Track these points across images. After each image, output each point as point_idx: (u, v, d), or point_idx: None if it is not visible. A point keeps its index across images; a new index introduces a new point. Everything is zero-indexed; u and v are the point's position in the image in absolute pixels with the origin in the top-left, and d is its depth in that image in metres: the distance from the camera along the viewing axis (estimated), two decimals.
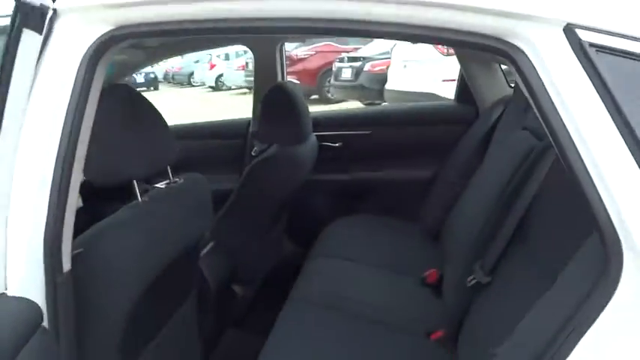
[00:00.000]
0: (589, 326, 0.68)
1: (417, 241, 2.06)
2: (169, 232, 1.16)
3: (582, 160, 0.67)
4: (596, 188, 0.67)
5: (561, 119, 0.68)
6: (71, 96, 0.83)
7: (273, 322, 1.44)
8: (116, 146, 1.06)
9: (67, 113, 0.83)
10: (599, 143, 0.66)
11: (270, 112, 1.80)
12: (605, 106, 0.66)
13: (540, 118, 0.71)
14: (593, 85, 0.67)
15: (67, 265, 0.89)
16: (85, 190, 1.04)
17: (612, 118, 0.66)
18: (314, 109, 2.31)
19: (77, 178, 0.88)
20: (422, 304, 1.61)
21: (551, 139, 0.71)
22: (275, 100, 1.79)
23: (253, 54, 2.30)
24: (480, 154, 1.97)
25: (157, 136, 1.17)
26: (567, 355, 0.70)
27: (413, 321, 1.49)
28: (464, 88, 2.23)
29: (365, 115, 2.30)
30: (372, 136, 2.26)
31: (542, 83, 0.69)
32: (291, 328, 1.41)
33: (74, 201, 0.89)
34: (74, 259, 0.94)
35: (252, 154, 2.26)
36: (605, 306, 0.67)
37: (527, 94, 0.72)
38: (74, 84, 0.83)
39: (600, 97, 0.66)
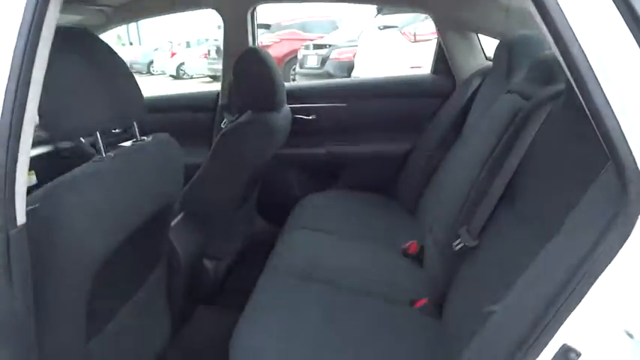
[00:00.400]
0: (604, 267, 0.65)
1: (394, 214, 2.02)
2: (136, 192, 1.06)
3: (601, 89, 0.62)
4: (616, 118, 0.62)
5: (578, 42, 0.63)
6: (19, 35, 0.74)
7: (246, 299, 1.37)
8: (76, 95, 0.96)
9: (15, 53, 0.74)
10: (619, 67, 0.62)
11: (242, 77, 1.70)
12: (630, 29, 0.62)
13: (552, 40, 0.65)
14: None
15: (20, 219, 0.79)
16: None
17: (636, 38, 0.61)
18: None
19: (30, 123, 0.78)
20: (403, 273, 1.57)
21: (566, 68, 0.66)
22: (247, 64, 1.69)
23: (222, 18, 2.17)
24: (458, 125, 1.95)
25: (121, 85, 1.07)
26: (579, 301, 0.66)
27: (395, 290, 1.44)
28: (441, 60, 2.18)
29: (340, 86, 2.22)
30: (348, 109, 2.19)
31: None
32: (266, 301, 1.34)
33: (27, 150, 0.79)
34: (29, 215, 0.84)
35: (222, 126, 2.16)
36: (624, 243, 0.64)
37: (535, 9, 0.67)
38: (22, 21, 0.74)
39: (620, 13, 0.62)
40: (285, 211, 2.06)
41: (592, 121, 0.64)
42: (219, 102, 2.29)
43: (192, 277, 1.71)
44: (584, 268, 0.67)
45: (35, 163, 1.66)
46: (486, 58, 2.14)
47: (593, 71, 0.62)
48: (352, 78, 2.32)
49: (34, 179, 1.62)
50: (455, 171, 1.60)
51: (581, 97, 0.65)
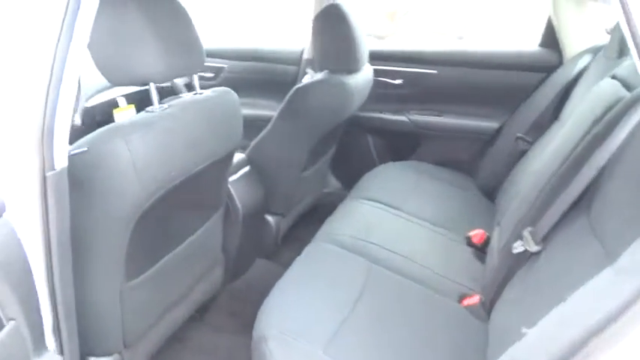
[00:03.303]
0: None
1: (469, 196, 1.88)
2: (185, 144, 1.07)
3: None
4: None
5: None
6: None
7: None
8: (132, 44, 0.97)
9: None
10: None
11: (320, 35, 1.63)
12: None
13: None
14: None
15: (60, 163, 0.83)
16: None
17: None
18: None
19: (72, 67, 0.80)
20: (461, 264, 1.46)
21: None
22: (326, 21, 1.61)
23: None
24: (557, 109, 1.72)
25: (180, 39, 1.06)
26: (613, 346, 0.59)
27: (446, 281, 1.35)
28: (550, 32, 1.92)
29: (433, 52, 2.04)
30: (438, 76, 2.03)
31: None
32: (305, 269, 1.32)
33: (71, 93, 0.81)
34: (74, 158, 0.88)
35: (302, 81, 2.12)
36: None
37: None
38: None
39: None
40: (359, 175, 2.00)
41: None
42: (304, 56, 2.24)
43: (252, 230, 1.75)
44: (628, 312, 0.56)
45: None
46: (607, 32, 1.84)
47: None
48: (448, 44, 2.10)
49: (133, 112, 1.73)
50: (539, 161, 1.43)
51: None
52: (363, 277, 1.28)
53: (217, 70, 2.44)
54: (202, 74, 2.48)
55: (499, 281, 1.23)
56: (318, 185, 2.12)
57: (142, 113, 1.03)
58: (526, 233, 1.14)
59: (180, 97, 1.16)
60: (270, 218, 1.81)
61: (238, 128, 1.29)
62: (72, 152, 0.91)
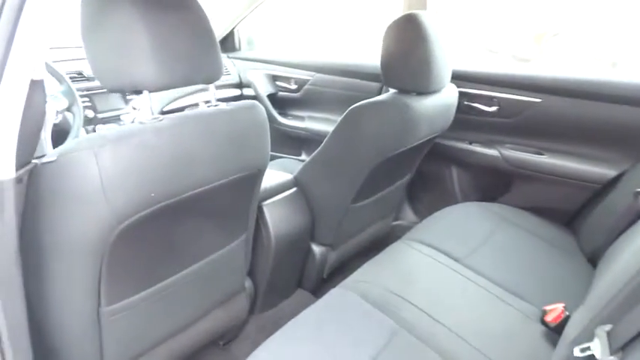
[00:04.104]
0: None
1: (565, 258, 1.49)
2: (181, 159, 0.92)
3: None
4: None
5: None
6: None
7: None
8: (126, 49, 0.86)
9: None
10: None
11: (390, 48, 1.40)
12: None
13: None
14: None
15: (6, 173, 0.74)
16: None
17: None
18: None
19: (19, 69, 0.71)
20: (526, 350, 1.12)
21: None
22: (398, 33, 1.38)
23: None
24: None
25: (186, 47, 0.93)
26: None
27: None
28: None
29: (538, 77, 1.66)
30: (542, 106, 1.66)
31: None
32: (320, 315, 1.11)
33: (16, 99, 0.73)
34: (43, 169, 0.80)
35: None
36: None
37: None
38: None
39: None
40: (436, 211, 1.73)
41: None
42: None
43: (292, 259, 1.58)
44: None
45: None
46: None
47: None
48: (559, 70, 1.70)
49: None
50: None
51: None
52: (384, 341, 1.03)
53: (302, 83, 2.32)
54: (286, 85, 2.39)
55: None
56: (381, 217, 1.87)
57: (132, 124, 0.92)
58: (600, 332, 0.81)
59: (186, 107, 1.03)
60: (315, 248, 1.62)
61: (261, 146, 1.12)
62: (42, 161, 0.83)
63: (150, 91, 0.91)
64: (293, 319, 1.09)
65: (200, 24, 0.96)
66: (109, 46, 0.87)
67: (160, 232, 1.00)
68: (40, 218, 0.83)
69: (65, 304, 0.94)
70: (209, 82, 1.01)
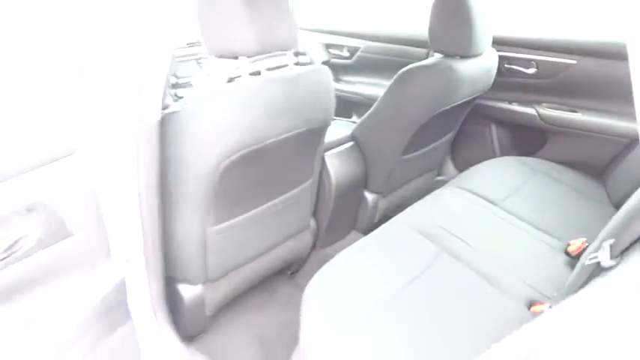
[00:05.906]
0: None
1: (593, 204, 1.68)
2: (269, 112, 1.17)
3: None
4: None
5: None
6: None
7: None
8: (228, 17, 1.09)
9: None
10: None
11: (437, 16, 1.59)
12: None
13: None
14: None
15: (150, 118, 1.01)
16: None
17: None
18: None
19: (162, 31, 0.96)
20: (547, 271, 1.34)
21: None
22: (443, 2, 1.57)
23: None
24: None
25: (274, 16, 1.15)
26: None
27: (519, 283, 1.26)
28: None
29: (573, 40, 1.81)
30: (577, 67, 1.82)
31: None
32: (376, 242, 1.35)
33: (161, 64, 0.98)
34: (169, 117, 1.06)
35: None
36: None
37: None
38: None
39: None
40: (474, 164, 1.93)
41: None
42: None
43: (348, 203, 1.83)
44: None
45: None
46: None
47: None
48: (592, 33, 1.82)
49: None
50: None
51: None
52: (428, 261, 1.27)
53: (353, 50, 2.52)
54: (339, 52, 2.60)
55: (571, 293, 1.11)
56: (427, 170, 2.09)
57: (231, 83, 1.17)
58: (605, 245, 1.02)
59: (269, 69, 1.27)
60: (368, 195, 1.87)
61: (327, 104, 1.34)
62: (169, 111, 1.09)
63: (247, 57, 1.15)
64: (348, 247, 1.34)
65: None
66: (218, 20, 1.09)
67: (251, 170, 1.26)
68: (167, 154, 1.11)
69: (185, 222, 1.22)
70: (288, 49, 1.24)
